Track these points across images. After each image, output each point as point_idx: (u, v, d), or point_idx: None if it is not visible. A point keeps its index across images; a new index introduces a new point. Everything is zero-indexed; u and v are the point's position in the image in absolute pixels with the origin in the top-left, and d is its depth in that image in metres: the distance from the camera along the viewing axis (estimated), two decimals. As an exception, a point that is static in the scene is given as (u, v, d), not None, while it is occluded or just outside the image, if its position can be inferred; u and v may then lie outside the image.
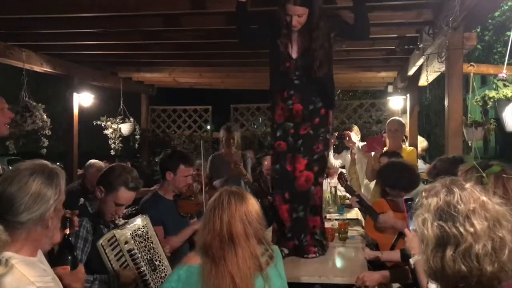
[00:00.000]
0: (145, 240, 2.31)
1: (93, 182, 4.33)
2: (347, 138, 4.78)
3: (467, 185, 1.22)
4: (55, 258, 1.70)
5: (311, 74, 2.87)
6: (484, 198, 1.18)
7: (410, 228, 2.02)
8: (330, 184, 4.93)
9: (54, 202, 1.48)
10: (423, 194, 1.26)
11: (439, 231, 1.16)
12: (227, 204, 1.74)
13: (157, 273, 2.30)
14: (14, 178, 1.45)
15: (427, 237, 1.19)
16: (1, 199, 1.43)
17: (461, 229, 1.14)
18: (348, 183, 4.00)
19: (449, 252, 1.14)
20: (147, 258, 2.28)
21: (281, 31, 2.86)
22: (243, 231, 1.71)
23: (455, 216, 1.15)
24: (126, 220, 2.37)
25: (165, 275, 2.31)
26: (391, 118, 4.84)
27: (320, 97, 2.96)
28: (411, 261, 2.01)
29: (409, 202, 2.06)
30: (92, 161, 4.64)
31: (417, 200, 1.28)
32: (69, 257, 1.75)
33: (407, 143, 5.54)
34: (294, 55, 2.91)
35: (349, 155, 4.96)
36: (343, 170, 5.14)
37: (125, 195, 2.33)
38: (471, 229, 1.13)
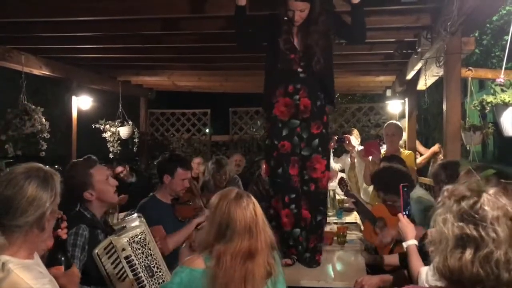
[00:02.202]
0: (142, 246, 2.30)
1: None
2: (347, 142, 4.79)
3: (492, 191, 1.20)
4: (48, 259, 1.69)
5: (312, 67, 2.83)
6: (509, 207, 1.17)
7: (403, 213, 2.15)
8: (329, 187, 4.93)
9: (50, 204, 1.48)
10: (445, 194, 1.25)
11: (460, 231, 1.16)
12: (253, 210, 1.67)
13: (154, 279, 2.28)
14: (9, 182, 1.45)
15: (446, 236, 1.18)
16: None
17: (483, 233, 1.13)
18: (348, 188, 4.01)
19: (468, 254, 1.14)
20: (144, 265, 2.26)
21: (282, 28, 2.83)
22: (264, 240, 1.67)
23: (478, 219, 1.15)
24: (123, 224, 2.36)
25: (163, 281, 2.29)
26: (388, 122, 4.85)
27: (323, 93, 2.92)
28: (404, 244, 2.07)
29: (405, 189, 2.18)
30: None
31: (439, 199, 1.28)
32: (62, 258, 1.75)
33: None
34: (298, 48, 2.87)
35: (348, 159, 4.97)
36: (343, 174, 5.14)
37: (102, 171, 2.39)
38: (493, 235, 1.13)
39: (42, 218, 1.47)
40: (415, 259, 2.01)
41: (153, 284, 2.26)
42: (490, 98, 3.32)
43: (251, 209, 1.69)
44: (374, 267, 2.88)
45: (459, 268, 1.15)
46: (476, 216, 1.16)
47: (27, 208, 1.43)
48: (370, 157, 4.37)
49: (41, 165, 1.55)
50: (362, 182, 4.72)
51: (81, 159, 2.51)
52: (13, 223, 1.42)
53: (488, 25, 11.88)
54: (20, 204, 1.42)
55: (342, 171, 5.36)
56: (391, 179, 3.05)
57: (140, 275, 2.21)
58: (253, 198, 1.76)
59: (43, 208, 1.46)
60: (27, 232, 1.45)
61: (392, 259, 2.80)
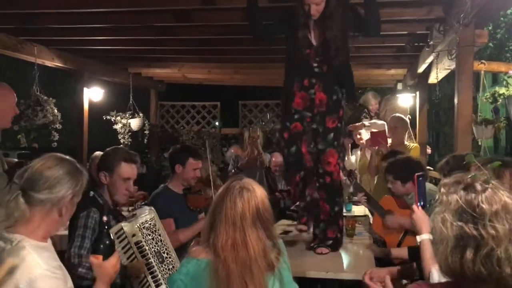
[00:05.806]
0: (152, 232, 2.33)
1: None
2: (358, 136, 4.81)
3: (489, 184, 1.17)
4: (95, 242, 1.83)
5: (330, 62, 2.84)
6: (506, 199, 1.15)
7: (418, 204, 1.99)
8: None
9: (73, 191, 1.60)
10: (442, 190, 1.22)
11: (459, 231, 1.13)
12: (239, 199, 1.65)
13: (164, 265, 2.31)
14: (46, 161, 1.61)
15: (446, 236, 1.16)
16: (31, 175, 1.57)
17: (483, 232, 1.11)
18: (356, 180, 4.00)
19: (469, 254, 1.12)
20: (154, 251, 2.30)
21: (299, 21, 2.82)
22: (256, 229, 1.65)
23: (476, 217, 1.13)
24: (134, 212, 2.40)
25: (173, 267, 2.33)
26: (391, 115, 4.82)
27: (342, 88, 2.93)
28: (418, 238, 1.95)
29: (421, 179, 2.03)
30: (97, 153, 4.62)
31: (436, 196, 1.25)
32: (101, 246, 1.85)
33: (414, 140, 5.53)
34: (314, 42, 2.88)
35: (359, 152, 4.98)
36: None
37: (127, 168, 2.42)
38: (493, 232, 1.10)
39: (62, 200, 1.58)
40: (427, 255, 1.90)
41: (163, 269, 2.29)
42: (502, 90, 3.29)
43: (244, 201, 1.66)
44: (382, 260, 2.88)
45: (461, 268, 1.13)
46: (475, 213, 1.13)
47: (53, 184, 1.56)
48: (376, 147, 4.34)
49: (74, 160, 1.71)
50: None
51: (126, 149, 2.61)
52: (38, 196, 1.54)
53: (502, 18, 11.70)
54: (49, 179, 1.56)
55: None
56: (407, 168, 3.04)
57: (150, 260, 2.24)
58: (257, 192, 1.70)
59: (66, 190, 1.58)
60: (47, 212, 1.56)
61: (400, 252, 2.80)
